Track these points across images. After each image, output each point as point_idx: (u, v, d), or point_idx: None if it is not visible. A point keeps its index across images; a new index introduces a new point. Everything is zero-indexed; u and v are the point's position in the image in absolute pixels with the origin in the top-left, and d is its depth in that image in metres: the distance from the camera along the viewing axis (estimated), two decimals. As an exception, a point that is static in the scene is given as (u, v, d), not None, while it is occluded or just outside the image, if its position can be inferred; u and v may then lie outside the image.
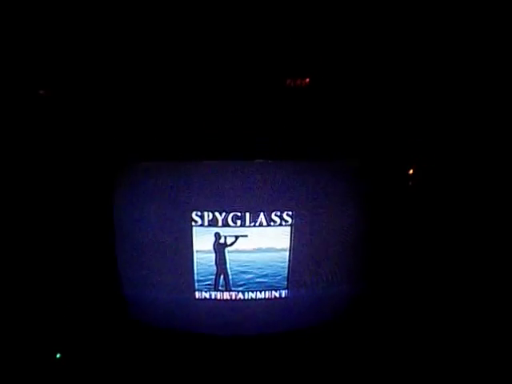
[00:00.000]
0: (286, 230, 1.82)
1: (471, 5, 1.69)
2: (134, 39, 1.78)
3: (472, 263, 1.89)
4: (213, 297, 1.87)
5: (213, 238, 1.80)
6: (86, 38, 1.77)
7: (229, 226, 1.79)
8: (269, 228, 1.81)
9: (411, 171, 1.88)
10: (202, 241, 1.80)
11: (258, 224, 1.80)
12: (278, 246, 1.83)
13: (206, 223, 1.79)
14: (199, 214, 1.78)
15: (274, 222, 1.80)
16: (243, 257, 1.83)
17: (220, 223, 1.79)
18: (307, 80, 1.81)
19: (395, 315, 1.95)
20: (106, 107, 1.82)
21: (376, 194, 1.85)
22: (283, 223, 1.81)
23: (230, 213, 1.78)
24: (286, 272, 1.86)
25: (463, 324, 1.89)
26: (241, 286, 1.86)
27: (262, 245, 1.83)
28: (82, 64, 1.80)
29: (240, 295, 1.88)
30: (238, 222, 1.79)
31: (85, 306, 1.89)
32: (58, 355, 1.88)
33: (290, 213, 1.80)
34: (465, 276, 1.90)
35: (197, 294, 1.87)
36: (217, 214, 1.78)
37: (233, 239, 1.81)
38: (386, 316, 1.94)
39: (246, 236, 1.81)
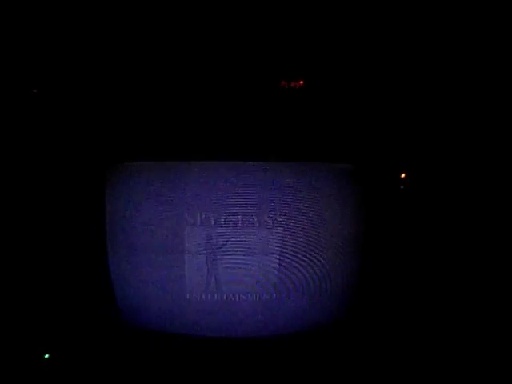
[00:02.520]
0: (279, 232, 1.82)
1: (461, 8, 1.71)
2: (126, 39, 1.79)
3: (465, 265, 1.89)
4: (203, 298, 1.85)
5: (205, 239, 1.80)
6: (78, 40, 1.78)
7: (221, 226, 1.79)
8: (261, 230, 1.80)
9: (403, 175, 1.88)
10: (194, 241, 1.80)
11: (250, 225, 1.79)
12: (270, 248, 1.83)
13: (198, 223, 1.78)
14: (192, 213, 1.77)
15: (267, 223, 1.80)
16: (235, 258, 1.82)
17: (213, 224, 1.78)
18: (302, 82, 1.82)
19: (386, 320, 1.94)
20: (99, 107, 1.82)
21: (368, 197, 1.86)
22: (276, 225, 1.81)
23: (222, 214, 1.78)
24: (277, 275, 1.85)
25: (459, 333, 1.88)
26: (232, 287, 1.85)
27: (253, 247, 1.82)
28: (75, 64, 1.81)
29: (231, 297, 1.86)
30: (231, 223, 1.79)
31: (76, 307, 1.87)
32: (46, 356, 1.86)
33: (283, 215, 1.81)
34: (459, 280, 1.90)
35: (187, 295, 1.85)
36: (210, 214, 1.77)
37: (225, 240, 1.80)
38: (378, 321, 1.93)
39: (238, 237, 1.80)
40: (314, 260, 1.87)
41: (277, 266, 1.84)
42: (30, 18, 1.75)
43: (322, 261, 1.88)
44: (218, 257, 1.81)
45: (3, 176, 1.81)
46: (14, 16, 1.73)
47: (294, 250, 1.85)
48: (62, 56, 1.80)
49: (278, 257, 1.83)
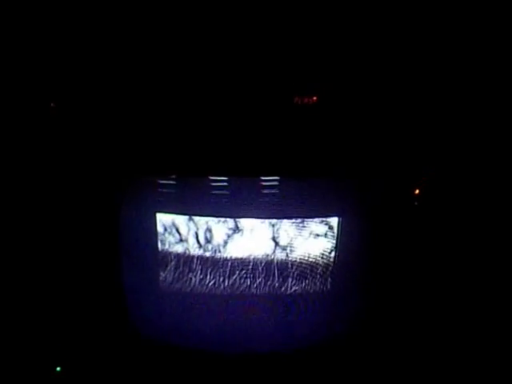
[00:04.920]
0: (291, 249, 1.83)
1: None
2: (144, 55, 1.81)
3: (479, 280, 1.87)
4: (218, 311, 1.86)
5: (223, 255, 1.81)
6: (98, 53, 1.81)
7: (236, 241, 1.80)
8: (276, 246, 1.81)
9: (417, 191, 1.87)
10: (212, 257, 1.81)
11: (266, 243, 1.81)
12: (284, 265, 1.83)
13: (215, 240, 1.80)
14: (206, 228, 1.78)
15: (280, 240, 1.81)
16: (252, 274, 1.83)
17: (229, 240, 1.80)
18: (314, 98, 1.83)
19: (401, 337, 1.92)
20: (114, 122, 1.84)
21: (380, 213, 1.85)
22: (287, 242, 1.82)
23: (238, 230, 1.79)
24: (292, 291, 1.85)
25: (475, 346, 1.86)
26: (249, 304, 1.86)
27: (270, 262, 1.82)
28: (93, 79, 1.84)
29: (247, 311, 1.86)
30: (246, 237, 1.80)
31: (89, 320, 1.88)
32: (58, 368, 1.86)
33: (294, 229, 1.81)
34: (474, 296, 1.87)
35: (202, 308, 1.86)
36: (224, 228, 1.79)
37: (242, 256, 1.81)
38: (393, 336, 1.91)
39: (255, 254, 1.81)
40: (325, 276, 1.86)
41: (291, 284, 1.84)
42: (52, 36, 1.78)
43: (333, 277, 1.87)
44: (236, 272, 1.82)
45: (22, 186, 1.84)
46: (37, 33, 1.77)
47: (305, 267, 1.85)
48: (81, 69, 1.82)
49: (292, 275, 1.84)
